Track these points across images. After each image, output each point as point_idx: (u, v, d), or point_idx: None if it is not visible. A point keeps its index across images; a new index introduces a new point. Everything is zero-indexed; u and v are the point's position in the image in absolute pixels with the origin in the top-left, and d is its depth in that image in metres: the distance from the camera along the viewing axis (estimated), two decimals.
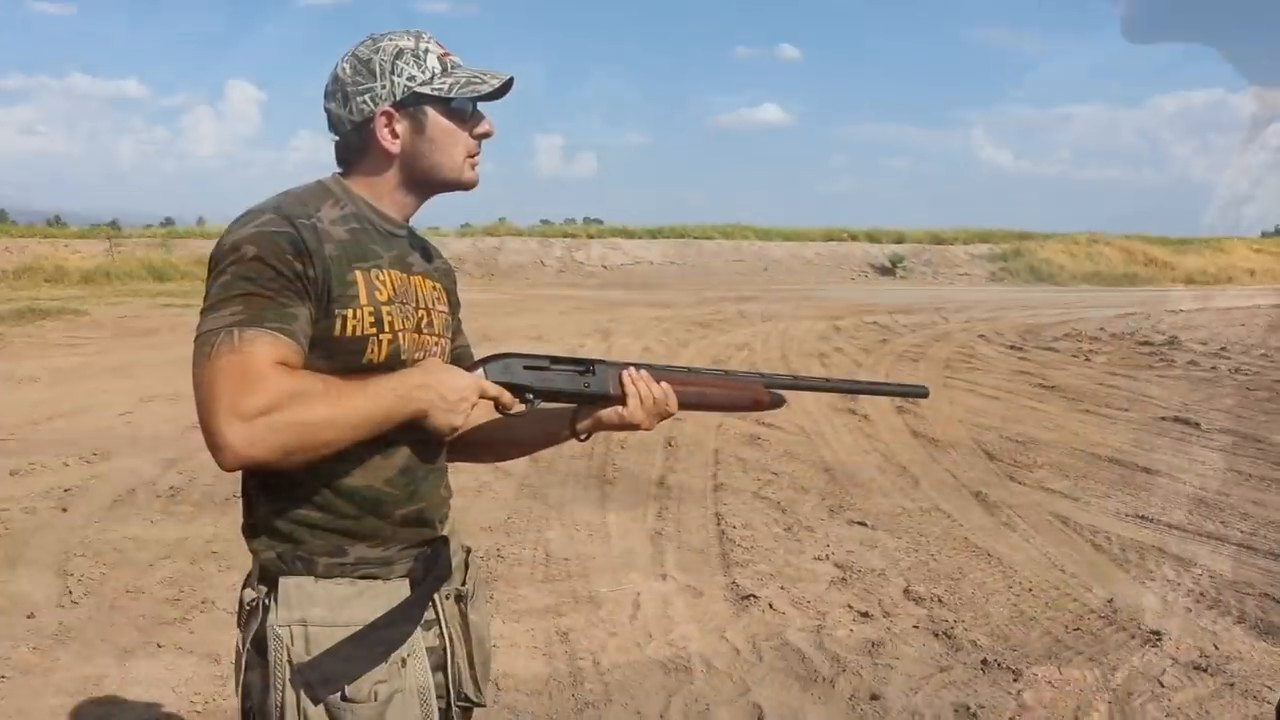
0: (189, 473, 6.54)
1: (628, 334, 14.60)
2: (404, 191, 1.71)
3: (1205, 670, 3.92)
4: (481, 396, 1.65)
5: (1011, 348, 14.17)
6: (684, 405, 1.78)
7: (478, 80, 1.67)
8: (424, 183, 1.72)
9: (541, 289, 23.59)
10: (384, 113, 1.64)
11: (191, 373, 1.47)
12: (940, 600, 4.58)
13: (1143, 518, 5.89)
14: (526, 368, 1.71)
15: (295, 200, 1.62)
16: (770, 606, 4.44)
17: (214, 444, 1.42)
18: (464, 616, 1.79)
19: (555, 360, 1.73)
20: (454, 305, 1.90)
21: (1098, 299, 25.42)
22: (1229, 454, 7.61)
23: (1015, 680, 3.79)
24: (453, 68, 1.68)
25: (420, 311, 1.71)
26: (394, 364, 1.63)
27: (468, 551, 1.88)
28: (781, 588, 4.69)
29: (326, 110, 1.69)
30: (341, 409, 1.48)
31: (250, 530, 1.66)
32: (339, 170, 1.73)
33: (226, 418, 1.40)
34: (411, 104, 1.65)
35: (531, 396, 1.72)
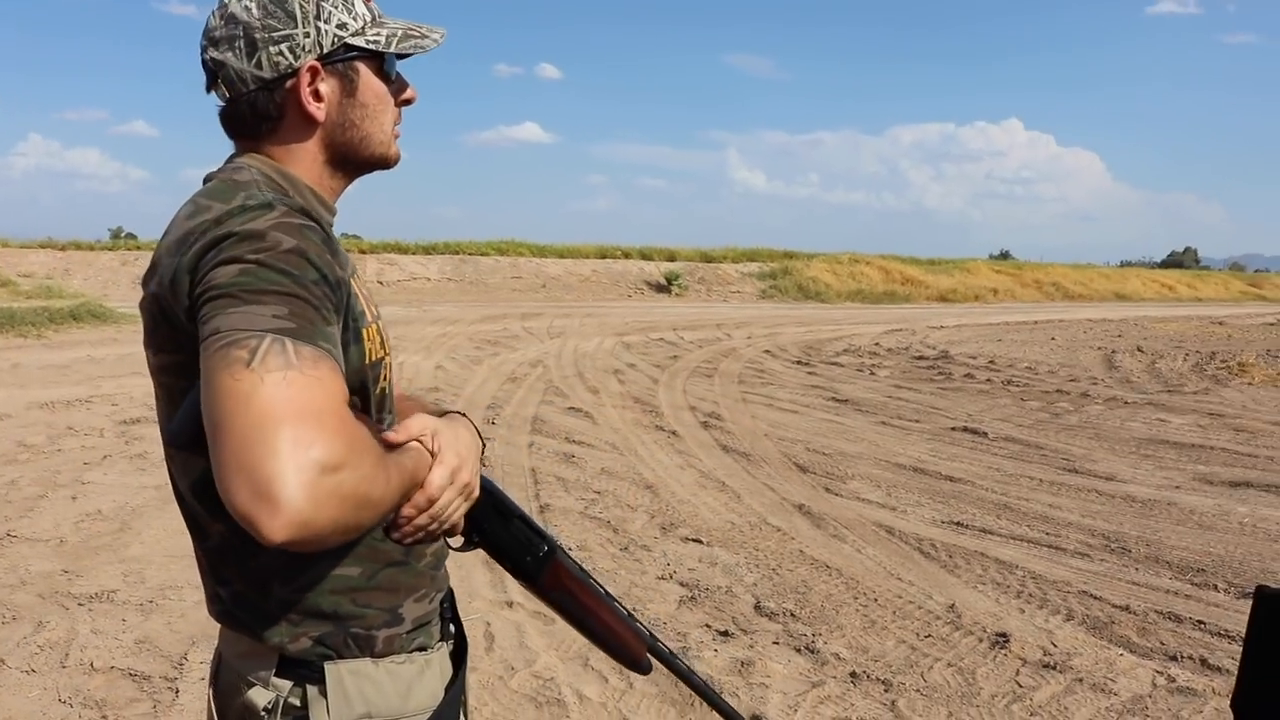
0: None
1: (416, 351, 14.18)
2: (330, 172, 1.36)
3: (1053, 668, 4.04)
4: (424, 509, 1.24)
5: (798, 363, 14.55)
6: (574, 621, 1.48)
7: (416, 33, 1.37)
8: (349, 160, 1.37)
9: None
10: (310, 68, 1.28)
11: (211, 386, 1.02)
12: (793, 614, 4.54)
13: (958, 524, 6.08)
14: (494, 509, 1.41)
15: (270, 188, 1.26)
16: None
17: (264, 495, 0.95)
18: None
19: (521, 517, 1.44)
20: None
21: (864, 316, 26.56)
22: (1019, 461, 8.00)
23: (887, 691, 3.78)
24: (380, 17, 1.37)
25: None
26: (389, 391, 1.37)
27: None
28: (633, 609, 4.53)
29: (214, 63, 1.29)
30: (391, 487, 1.11)
31: (254, 613, 1.28)
32: (237, 148, 1.35)
33: (294, 462, 0.96)
34: (340, 58, 1.31)
35: (477, 539, 1.41)
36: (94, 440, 7.78)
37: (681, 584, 4.92)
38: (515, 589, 4.74)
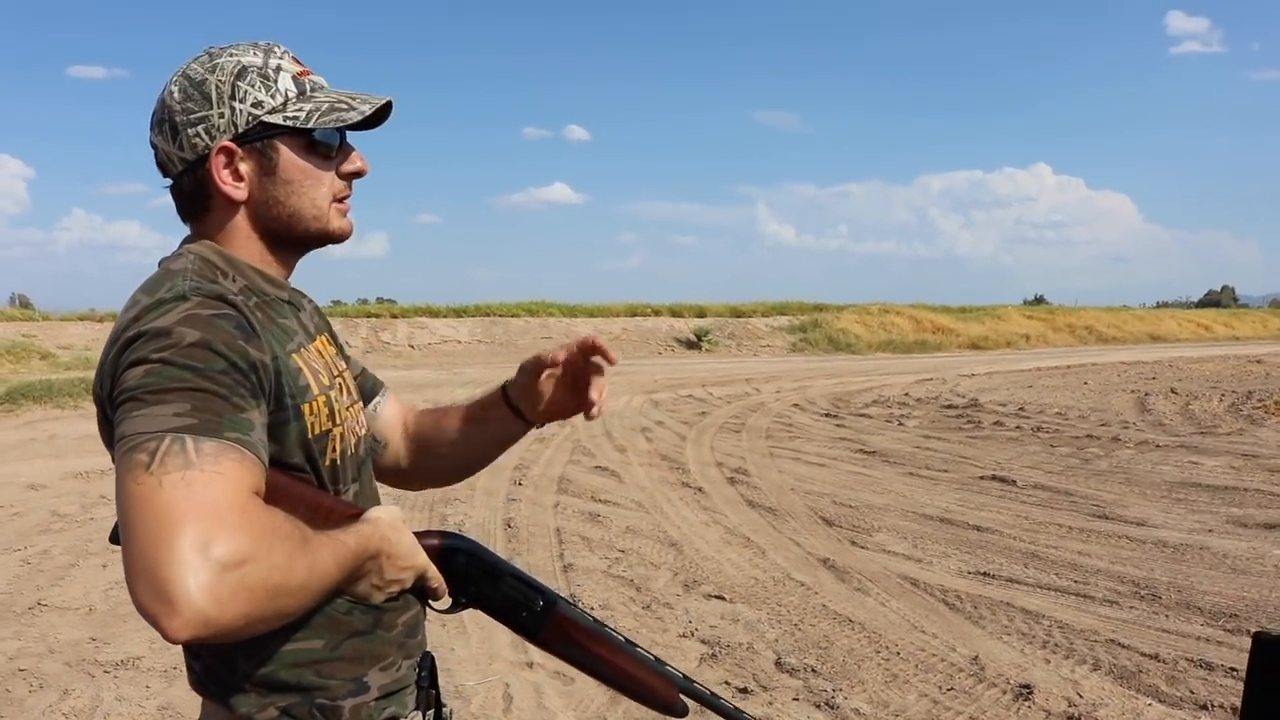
0: None
1: None
2: (268, 248, 1.38)
3: None
4: (419, 580, 1.32)
5: (826, 415, 14.51)
6: (590, 672, 1.48)
7: (343, 106, 1.36)
8: (283, 237, 1.38)
9: None
10: (222, 149, 1.31)
11: (119, 491, 1.05)
12: (814, 670, 4.52)
13: (985, 574, 6.02)
14: (481, 570, 1.44)
15: (197, 276, 1.27)
16: None
17: (162, 597, 0.96)
18: None
19: (514, 575, 1.46)
20: (340, 347, 1.57)
21: (894, 366, 26.47)
22: (1048, 508, 7.92)
23: None
24: (313, 90, 1.37)
25: (338, 379, 1.44)
26: (347, 460, 1.39)
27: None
28: None
29: (152, 145, 1.35)
30: (316, 572, 1.11)
31: (224, 685, 1.29)
32: (188, 229, 1.39)
33: (190, 564, 0.97)
34: (258, 137, 1.32)
35: (465, 600, 1.44)
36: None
37: (703, 641, 4.91)
38: (536, 651, 4.73)
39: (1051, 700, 4.16)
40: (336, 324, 25.36)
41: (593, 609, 5.32)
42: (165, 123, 1.32)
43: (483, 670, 4.47)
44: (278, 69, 1.34)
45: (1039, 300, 61.72)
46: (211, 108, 1.31)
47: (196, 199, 1.35)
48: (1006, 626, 5.11)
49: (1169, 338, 45.01)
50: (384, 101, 1.39)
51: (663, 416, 14.30)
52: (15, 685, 4.41)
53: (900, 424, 13.39)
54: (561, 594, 4.74)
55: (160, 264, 1.34)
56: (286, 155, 1.34)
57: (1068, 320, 44.31)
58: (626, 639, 1.50)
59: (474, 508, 7.88)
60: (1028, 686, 4.28)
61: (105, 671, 4.54)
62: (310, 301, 1.54)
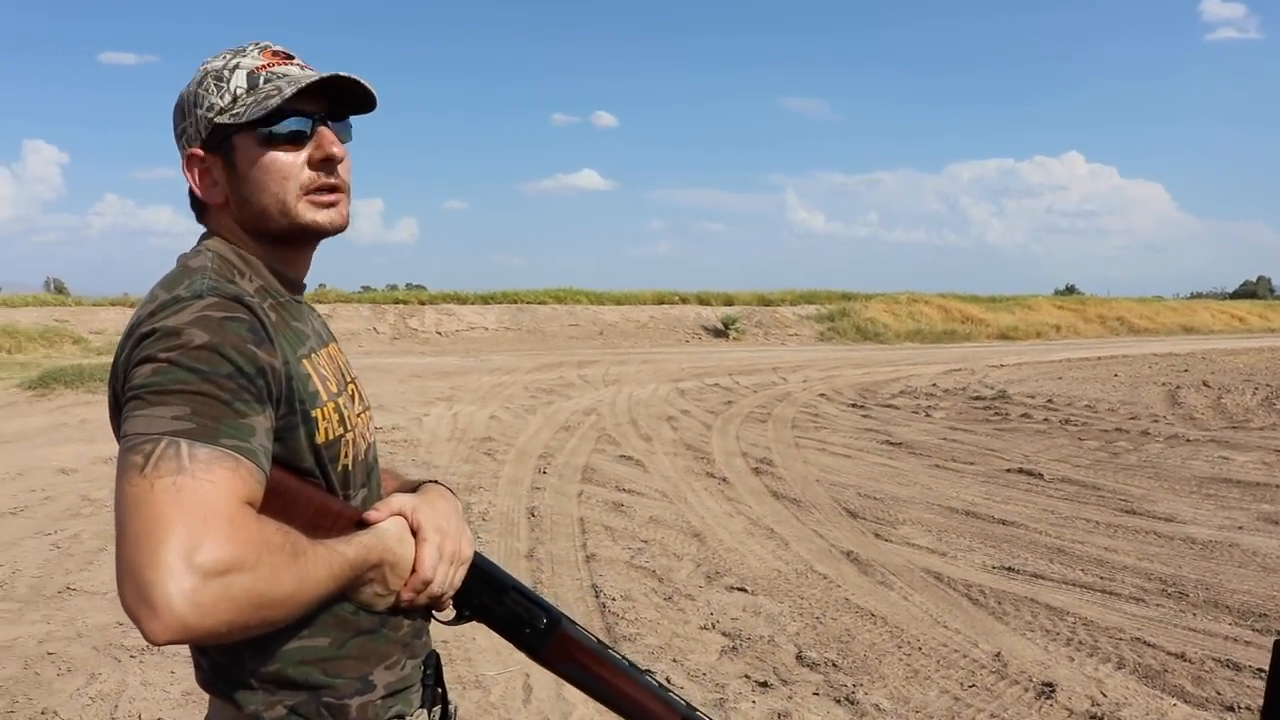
0: (11, 564, 5.98)
1: (471, 401, 14.30)
2: (263, 246, 1.37)
3: (1101, 719, 3.95)
4: (422, 590, 1.32)
5: (853, 405, 14.46)
6: (591, 694, 1.48)
7: (275, 92, 1.31)
8: (267, 235, 1.36)
9: (376, 357, 22.97)
10: (189, 156, 1.35)
11: (116, 490, 1.08)
12: (834, 664, 4.50)
13: (1009, 569, 5.98)
14: (483, 581, 1.44)
15: (216, 275, 1.28)
16: (667, 681, 4.27)
17: (145, 599, 0.99)
18: None
19: (518, 589, 1.46)
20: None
21: (923, 356, 26.35)
22: (1074, 503, 7.86)
23: None
24: (268, 81, 1.32)
25: (351, 387, 1.45)
26: (358, 465, 1.40)
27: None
28: (674, 660, 4.54)
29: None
30: (307, 583, 1.13)
31: (231, 682, 1.30)
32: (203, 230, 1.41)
33: (173, 569, 0.99)
34: (218, 140, 1.33)
35: (468, 613, 1.45)
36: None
37: (724, 634, 4.90)
38: None
39: (1074, 699, 4.13)
40: (365, 310, 25.56)
41: (615, 599, 5.33)
42: (176, 133, 1.38)
43: (503, 660, 4.48)
44: (235, 68, 1.33)
45: (1070, 290, 61.29)
46: (185, 118, 1.35)
47: (193, 202, 1.40)
48: (1030, 623, 5.07)
49: (1202, 329, 44.59)
50: (315, 78, 1.33)
51: (689, 405, 14.29)
52: (44, 668, 4.46)
53: (927, 415, 13.32)
54: (583, 580, 4.73)
55: (179, 260, 1.35)
56: (244, 152, 1.33)
57: (1099, 311, 43.98)
58: (630, 662, 1.49)
59: (498, 496, 7.90)
60: (1050, 685, 4.25)
61: (131, 656, 4.58)
62: (318, 315, 1.54)
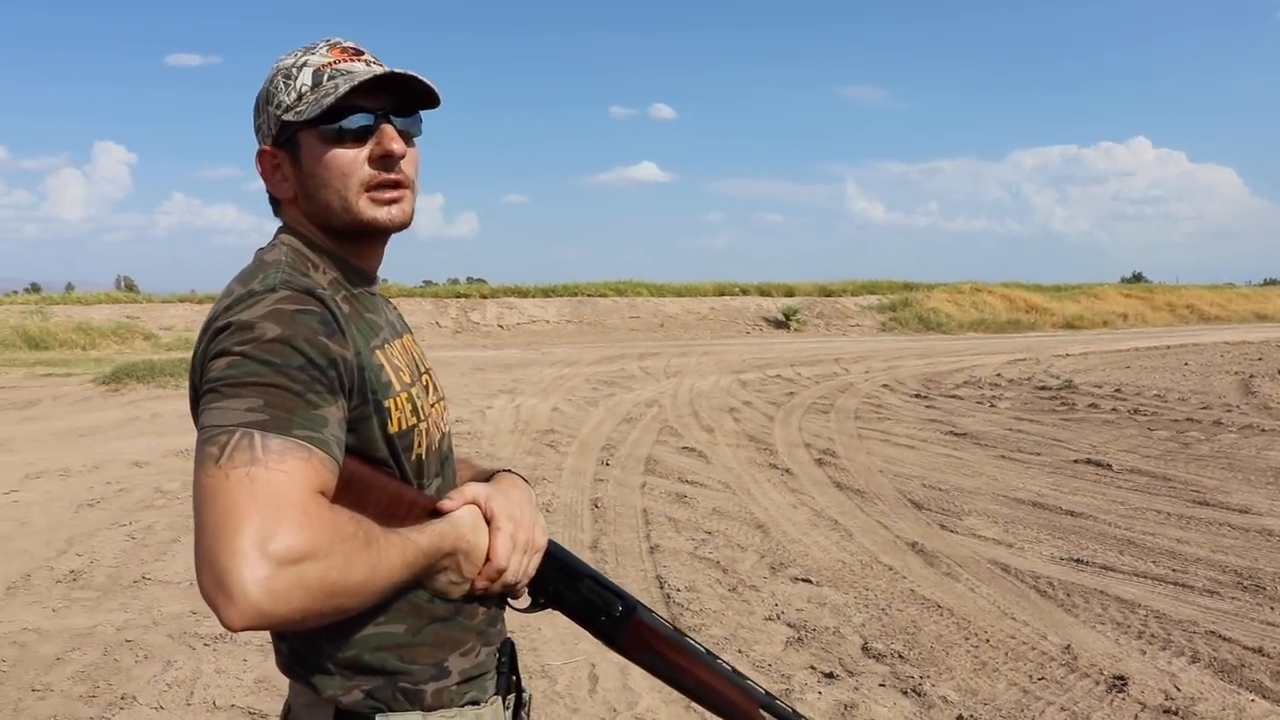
0: (89, 554, 6.13)
1: (533, 394, 14.38)
2: (333, 241, 1.39)
3: (1175, 714, 3.88)
4: (496, 579, 1.33)
5: (916, 396, 14.33)
6: (668, 681, 1.47)
7: (332, 89, 1.32)
8: (333, 230, 1.38)
9: (439, 350, 23.18)
10: (261, 153, 1.39)
11: (194, 481, 1.10)
12: (901, 656, 4.47)
13: (1078, 561, 5.90)
14: (557, 569, 1.44)
15: (290, 269, 1.30)
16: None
17: (222, 587, 1.01)
18: None
19: (593, 577, 1.46)
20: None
21: (987, 346, 26.02)
22: (1144, 494, 7.73)
23: None
24: (331, 79, 1.33)
25: (425, 378, 1.46)
26: (431, 455, 1.41)
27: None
28: (739, 651, 4.53)
29: None
30: (380, 571, 1.15)
31: (309, 667, 1.33)
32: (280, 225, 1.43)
33: (248, 557, 1.02)
34: (286, 136, 1.35)
35: (543, 601, 1.45)
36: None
37: (789, 625, 4.89)
38: None
39: (1147, 693, 4.06)
40: (427, 304, 25.77)
41: (679, 590, 5.34)
42: (256, 130, 1.41)
43: (569, 650, 4.51)
44: (302, 65, 1.35)
45: (1137, 278, 60.10)
46: (259, 115, 1.39)
47: (271, 197, 1.44)
48: (1100, 615, 5.00)
49: (1277, 317, 43.49)
50: (369, 75, 1.32)
51: (750, 397, 14.25)
52: (123, 655, 4.57)
53: (992, 405, 13.16)
54: (648, 571, 4.74)
55: (256, 255, 1.38)
56: (307, 150, 1.35)
57: (1167, 299, 43.10)
58: (707, 649, 1.49)
59: (561, 488, 7.94)
60: (1122, 678, 4.19)
61: (205, 644, 4.68)
62: (393, 307, 1.55)
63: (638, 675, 4.22)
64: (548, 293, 33.38)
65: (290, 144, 1.36)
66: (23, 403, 13.84)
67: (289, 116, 1.34)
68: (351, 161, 1.33)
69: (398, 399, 1.33)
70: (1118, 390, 14.60)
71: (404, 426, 1.34)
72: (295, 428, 1.13)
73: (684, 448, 9.90)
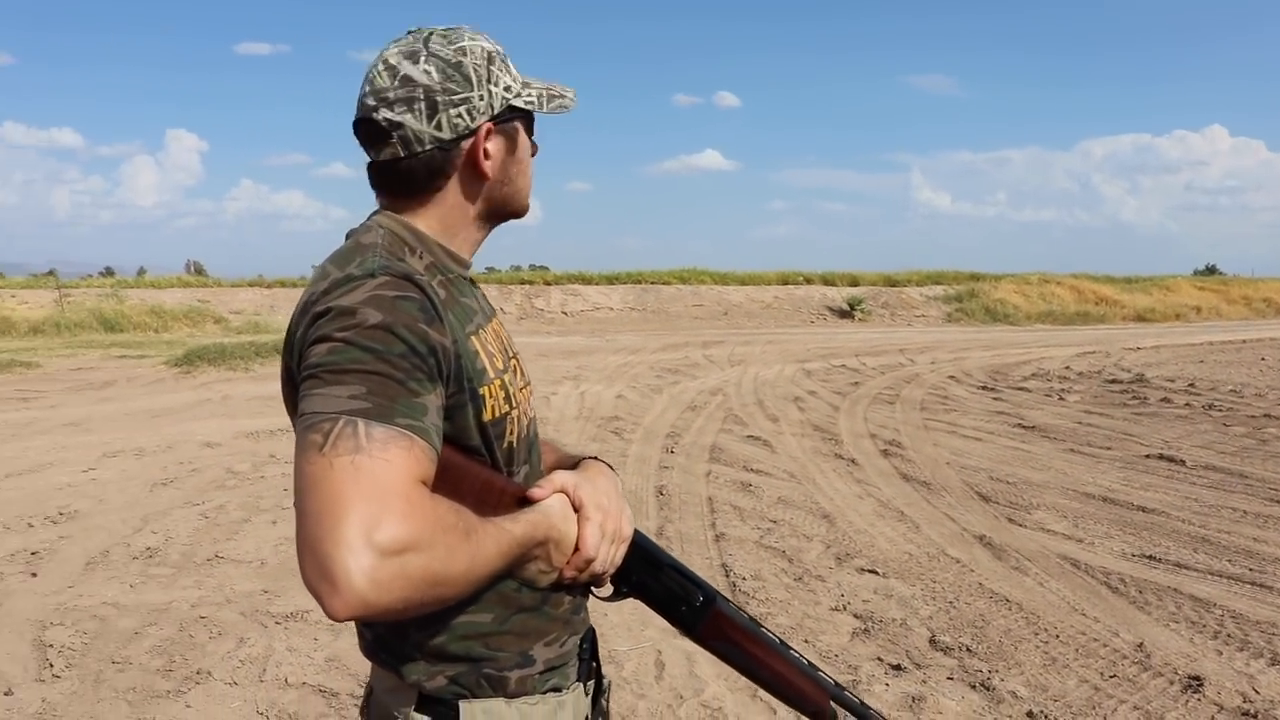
0: (164, 532, 6.26)
1: (598, 380, 14.42)
2: (478, 225, 1.43)
3: (1253, 716, 3.80)
4: (584, 568, 1.34)
5: (983, 388, 14.15)
6: (743, 671, 1.49)
7: (556, 94, 1.44)
8: (499, 213, 1.44)
9: None
10: (486, 129, 1.36)
11: (295, 468, 1.10)
12: (969, 649, 4.43)
13: (1150, 558, 5.79)
14: (641, 558, 1.44)
15: (387, 252, 1.29)
16: None
17: (326, 576, 1.01)
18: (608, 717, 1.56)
19: (674, 567, 1.46)
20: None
21: (1055, 338, 25.63)
22: (1220, 491, 7.56)
23: None
24: (525, 78, 1.44)
25: (512, 362, 1.44)
26: (521, 442, 1.40)
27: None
28: (805, 641, 4.52)
29: (388, 123, 1.32)
30: (478, 561, 1.15)
31: (394, 652, 1.34)
32: (383, 202, 1.40)
33: (352, 546, 1.01)
34: (505, 119, 1.38)
35: (626, 590, 1.45)
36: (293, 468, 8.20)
37: (855, 615, 4.86)
38: None
39: (1224, 694, 3.98)
40: (491, 290, 25.99)
41: (745, 578, 5.33)
42: (420, 101, 1.32)
43: (635, 636, 4.52)
44: (505, 55, 1.40)
45: (1210, 270, 58.74)
46: (472, 89, 1.34)
47: (431, 176, 1.36)
48: (1174, 614, 4.91)
49: None
50: (573, 91, 1.47)
51: (815, 386, 14.17)
52: (198, 631, 4.66)
53: (1061, 398, 12.95)
54: (713, 559, 4.75)
55: (349, 236, 1.37)
56: (522, 137, 1.43)
57: (1243, 291, 42.09)
58: (780, 639, 1.49)
59: (626, 475, 7.95)
60: (1198, 678, 4.11)
61: (277, 622, 4.76)
62: (481, 292, 1.55)
63: (704, 662, 4.22)
64: (611, 280, 33.46)
65: (504, 127, 1.39)
66: (99, 383, 14.16)
67: (518, 102, 1.39)
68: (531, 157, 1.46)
69: (491, 386, 1.33)
70: (1191, 385, 14.30)
71: (497, 414, 1.33)
72: (398, 416, 1.12)
73: (749, 436, 9.87)
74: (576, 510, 1.33)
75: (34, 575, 5.44)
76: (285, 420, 8.54)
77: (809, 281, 36.00)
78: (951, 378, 15.51)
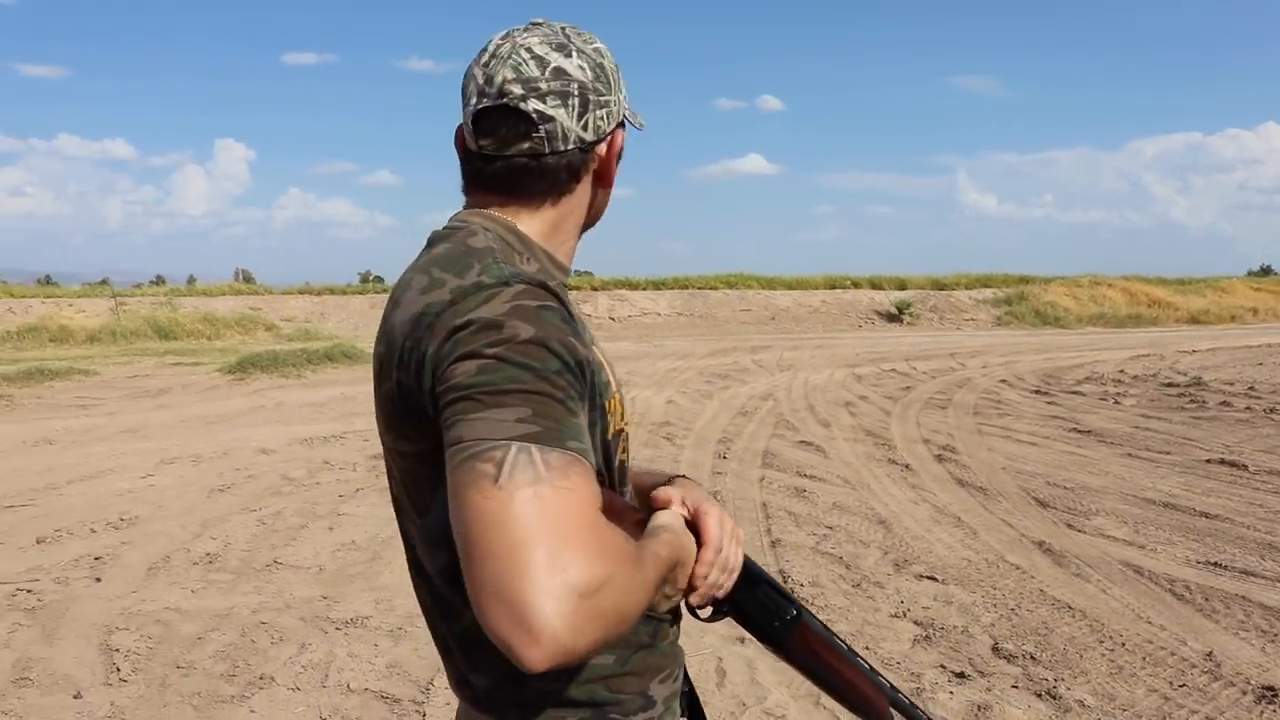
0: (223, 538, 6.33)
1: (647, 386, 14.42)
2: (577, 232, 1.36)
3: None
4: (707, 592, 1.27)
5: (1036, 392, 13.99)
6: (819, 682, 1.43)
7: (637, 114, 1.39)
8: (596, 219, 1.38)
9: None
10: (611, 134, 1.31)
11: (460, 501, 0.99)
12: (1033, 657, 4.37)
13: (1216, 565, 5.69)
14: (744, 576, 1.38)
15: (504, 258, 1.19)
16: None
17: (522, 624, 0.91)
18: None
19: (769, 583, 1.41)
20: None
21: (1107, 341, 25.30)
22: None
23: None
24: None
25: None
26: (628, 463, 1.33)
27: None
28: (866, 648, 4.48)
29: (539, 115, 1.22)
30: (649, 589, 1.07)
31: (511, 704, 1.23)
32: (483, 201, 1.30)
33: (549, 590, 0.92)
34: (616, 127, 1.34)
35: (726, 609, 1.39)
36: (348, 474, 8.28)
37: (916, 623, 4.81)
38: None
39: None
40: None
41: (803, 585, 5.29)
42: (574, 97, 1.25)
43: (695, 644, 4.50)
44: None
45: (1266, 271, 57.78)
46: (612, 93, 1.30)
47: (562, 178, 1.29)
48: (1243, 622, 4.81)
49: None
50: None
51: (866, 391, 14.08)
52: (259, 636, 4.70)
53: (1116, 402, 12.77)
54: (770, 566, 4.71)
55: (444, 238, 1.27)
56: (620, 148, 1.36)
57: None
58: (849, 646, 1.46)
59: None
60: (1272, 689, 4.02)
61: (336, 628, 4.79)
62: None
63: (765, 669, 4.20)
64: (658, 285, 33.48)
65: (620, 134, 1.35)
66: (155, 390, 14.37)
67: (626, 111, 1.35)
68: None
69: (612, 401, 1.25)
70: (1251, 388, 14.05)
71: (615, 431, 1.26)
72: (567, 439, 1.02)
73: (801, 441, 9.82)
74: (696, 532, 1.26)
75: (98, 580, 5.52)
76: (339, 426, 8.60)
77: (856, 285, 35.81)
78: (1004, 382, 15.35)
